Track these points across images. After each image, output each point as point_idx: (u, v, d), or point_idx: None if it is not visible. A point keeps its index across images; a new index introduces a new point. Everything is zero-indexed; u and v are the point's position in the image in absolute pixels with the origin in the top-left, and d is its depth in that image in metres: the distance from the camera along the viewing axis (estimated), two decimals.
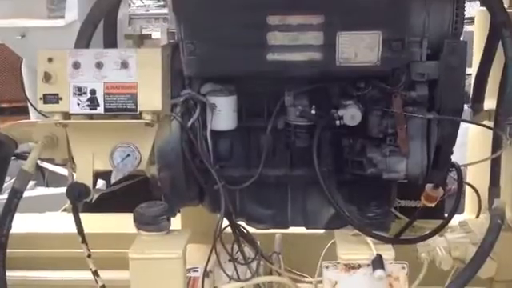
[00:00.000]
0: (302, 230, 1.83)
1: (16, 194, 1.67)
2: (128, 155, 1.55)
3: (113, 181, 2.80)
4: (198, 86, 1.61)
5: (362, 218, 1.57)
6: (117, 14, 1.80)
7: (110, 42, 1.78)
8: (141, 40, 1.70)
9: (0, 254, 1.65)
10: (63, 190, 3.95)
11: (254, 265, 1.72)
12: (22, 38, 4.04)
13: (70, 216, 1.67)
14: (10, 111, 5.81)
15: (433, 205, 1.73)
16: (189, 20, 1.49)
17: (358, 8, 1.45)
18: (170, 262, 1.54)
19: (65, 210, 2.74)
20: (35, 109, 4.77)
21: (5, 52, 4.83)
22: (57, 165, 2.97)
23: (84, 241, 1.71)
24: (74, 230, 1.68)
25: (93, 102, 1.49)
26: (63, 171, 4.26)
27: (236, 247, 1.70)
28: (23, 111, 5.29)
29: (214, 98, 1.58)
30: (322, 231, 1.82)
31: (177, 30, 1.53)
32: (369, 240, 1.54)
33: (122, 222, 2.37)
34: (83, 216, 1.68)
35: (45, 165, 4.28)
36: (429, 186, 1.69)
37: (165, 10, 9.09)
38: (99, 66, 1.48)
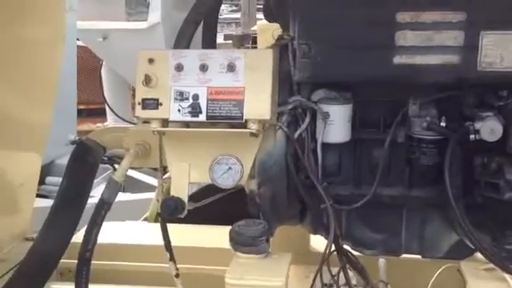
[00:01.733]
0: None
1: (103, 206, 1.57)
2: (230, 168, 1.40)
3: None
4: (307, 92, 1.45)
5: (499, 251, 1.35)
6: (218, 13, 1.67)
7: (209, 42, 1.64)
8: (241, 41, 1.55)
9: (84, 269, 1.57)
10: (141, 196, 3.91)
11: None
12: (103, 40, 4.06)
13: (153, 226, 1.54)
14: (86, 113, 5.91)
15: None
16: (305, 17, 1.34)
17: (507, 3, 1.26)
18: None
19: (145, 220, 2.64)
20: (113, 111, 4.82)
21: (83, 54, 4.89)
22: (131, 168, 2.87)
23: (172, 258, 1.62)
24: (157, 241, 1.57)
25: (195, 109, 1.35)
26: (138, 175, 4.22)
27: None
28: (100, 113, 5.35)
29: (327, 106, 1.42)
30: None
31: (291, 29, 1.37)
32: (508, 277, 1.32)
33: (200, 235, 2.25)
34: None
35: None
36: None
37: (237, 15, 9.10)
38: (203, 68, 1.34)
